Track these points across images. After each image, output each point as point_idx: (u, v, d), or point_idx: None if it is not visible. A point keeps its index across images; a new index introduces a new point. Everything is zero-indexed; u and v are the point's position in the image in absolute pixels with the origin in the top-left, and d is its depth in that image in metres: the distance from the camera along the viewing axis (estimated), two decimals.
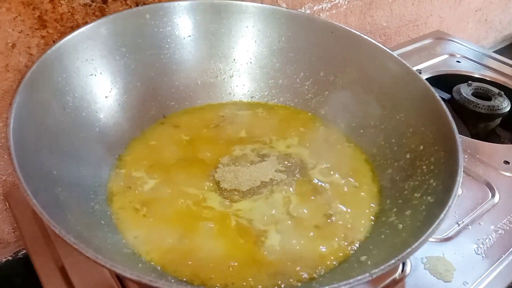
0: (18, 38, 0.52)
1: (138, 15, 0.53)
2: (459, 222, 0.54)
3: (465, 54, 0.90)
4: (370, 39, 0.54)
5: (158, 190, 0.46)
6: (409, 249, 0.31)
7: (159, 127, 0.53)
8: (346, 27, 0.56)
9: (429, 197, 0.40)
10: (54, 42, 0.53)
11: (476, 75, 0.84)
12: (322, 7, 0.82)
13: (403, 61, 0.51)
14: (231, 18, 0.57)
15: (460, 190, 0.58)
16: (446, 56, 0.89)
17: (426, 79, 0.80)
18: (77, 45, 0.47)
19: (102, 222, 0.41)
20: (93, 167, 0.46)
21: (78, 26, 0.55)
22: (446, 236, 0.53)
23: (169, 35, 0.55)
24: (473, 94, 0.77)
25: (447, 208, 0.34)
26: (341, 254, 0.41)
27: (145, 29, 0.53)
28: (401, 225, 0.40)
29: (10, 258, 0.65)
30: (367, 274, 0.29)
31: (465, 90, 0.77)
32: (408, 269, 0.48)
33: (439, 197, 0.38)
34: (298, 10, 0.78)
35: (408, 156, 0.47)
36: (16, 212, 0.53)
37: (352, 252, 0.41)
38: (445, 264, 0.50)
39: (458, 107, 0.76)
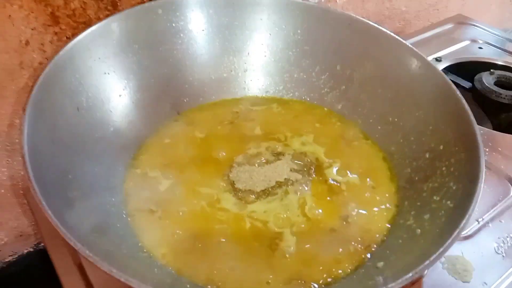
0: (31, 35, 0.52)
1: (150, 11, 0.52)
2: (479, 220, 0.53)
3: (488, 40, 0.86)
4: (388, 31, 0.53)
5: (173, 191, 0.46)
6: (427, 262, 0.30)
7: (173, 124, 0.53)
8: (363, 19, 0.54)
9: (448, 202, 0.39)
10: (67, 38, 0.53)
11: (499, 62, 0.81)
12: None
13: (423, 55, 0.50)
14: (245, 10, 0.56)
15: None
16: (467, 42, 0.86)
17: (446, 67, 0.78)
18: (89, 44, 0.47)
19: (118, 225, 0.41)
20: (108, 168, 0.46)
21: (90, 21, 0.54)
22: (466, 235, 0.52)
23: (182, 29, 0.54)
24: (496, 83, 0.74)
25: (466, 217, 0.33)
26: (357, 259, 0.40)
27: (157, 24, 0.52)
28: (419, 230, 0.40)
29: (32, 249, 0.67)
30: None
31: (487, 79, 0.74)
32: None
33: (459, 203, 0.37)
34: None
35: (427, 156, 0.46)
36: (34, 208, 0.53)
37: (368, 257, 0.41)
38: (464, 264, 0.49)
39: (479, 96, 0.74)
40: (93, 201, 0.41)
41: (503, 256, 0.50)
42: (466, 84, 0.77)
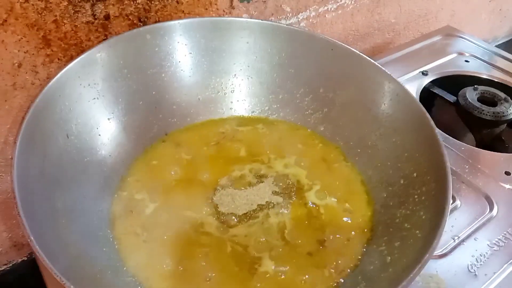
0: (24, 58, 0.53)
1: (139, 36, 0.53)
2: (455, 238, 0.55)
3: (474, 53, 0.88)
4: (369, 58, 0.54)
5: (158, 214, 0.48)
6: None
7: (160, 145, 0.55)
8: (346, 46, 0.56)
9: (417, 231, 0.41)
10: (58, 59, 0.55)
11: (484, 76, 0.83)
12: (328, 8, 0.81)
13: (401, 83, 0.51)
14: (232, 34, 0.57)
15: (459, 202, 0.59)
16: (454, 55, 0.88)
17: (432, 80, 0.80)
18: (79, 72, 0.48)
19: (104, 249, 0.43)
20: (96, 192, 0.48)
21: (81, 43, 0.56)
22: (441, 253, 0.54)
23: (170, 53, 0.56)
24: (479, 99, 0.76)
25: (428, 253, 0.35)
26: (331, 283, 0.43)
27: (146, 49, 0.54)
28: (389, 258, 0.42)
29: (26, 258, 0.69)
30: None
31: (471, 95, 0.76)
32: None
33: (425, 234, 0.39)
34: (303, 12, 0.77)
35: (402, 182, 0.48)
36: None
37: (341, 281, 0.43)
38: (438, 282, 0.51)
39: (463, 112, 0.76)
40: (80, 226, 0.43)
41: (475, 275, 0.52)
42: (451, 98, 0.79)
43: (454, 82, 0.82)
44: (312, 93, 0.58)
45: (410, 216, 0.44)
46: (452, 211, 0.58)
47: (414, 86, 0.79)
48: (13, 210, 0.62)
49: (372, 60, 0.54)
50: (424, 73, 0.82)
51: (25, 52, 0.53)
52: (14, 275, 0.68)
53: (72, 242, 0.40)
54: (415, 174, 0.47)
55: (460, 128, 0.77)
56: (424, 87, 0.80)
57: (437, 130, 0.47)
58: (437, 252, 0.54)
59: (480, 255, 0.54)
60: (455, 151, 0.67)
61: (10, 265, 0.68)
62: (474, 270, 0.53)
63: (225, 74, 0.59)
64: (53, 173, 0.43)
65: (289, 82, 0.59)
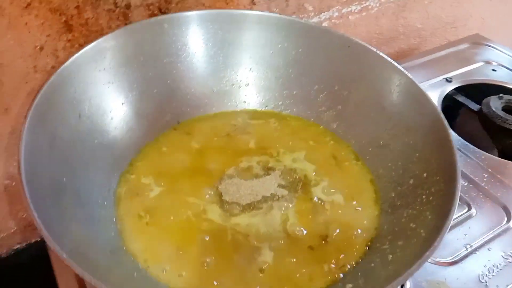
0: (45, 42, 0.55)
1: (156, 25, 0.54)
2: (467, 246, 0.54)
3: (502, 62, 0.86)
4: (386, 57, 0.53)
5: (163, 199, 0.48)
6: None
7: (172, 133, 0.55)
8: (363, 43, 0.55)
9: (421, 230, 0.40)
10: (79, 45, 0.56)
11: (510, 86, 0.80)
12: (351, 10, 0.80)
13: (418, 84, 0.50)
14: (249, 27, 0.57)
15: (474, 211, 0.57)
16: (481, 64, 0.85)
17: (456, 88, 0.78)
18: (95, 55, 0.49)
19: (106, 228, 0.44)
20: (104, 172, 0.49)
21: (102, 30, 0.57)
22: (451, 260, 0.52)
23: (187, 43, 0.56)
24: (503, 108, 0.73)
25: (428, 251, 0.34)
26: (330, 278, 0.42)
27: (163, 38, 0.55)
28: (391, 256, 0.41)
29: (39, 239, 0.70)
30: None
31: (495, 104, 0.74)
32: None
33: (429, 234, 0.38)
34: (326, 12, 0.77)
35: (411, 182, 0.47)
36: None
37: (341, 277, 0.42)
38: None
39: (486, 120, 0.74)
40: (84, 204, 0.43)
41: (486, 285, 0.50)
42: (475, 107, 0.77)
43: (479, 91, 0.79)
44: (327, 90, 0.58)
45: (416, 216, 0.43)
46: (466, 219, 0.57)
47: (436, 93, 0.78)
48: None
49: (389, 59, 0.53)
50: (448, 80, 0.80)
51: (47, 36, 0.55)
52: (28, 255, 0.70)
53: (75, 220, 0.40)
54: (425, 175, 0.46)
55: (482, 137, 0.75)
56: (447, 94, 0.78)
57: (452, 132, 0.45)
58: (447, 259, 0.52)
59: (493, 265, 0.52)
60: (474, 159, 0.65)
61: (24, 244, 0.70)
62: (485, 281, 0.51)
63: (240, 67, 0.59)
64: (62, 151, 0.44)
65: (304, 78, 0.58)
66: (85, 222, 0.42)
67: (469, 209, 0.58)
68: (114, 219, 0.45)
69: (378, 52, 0.54)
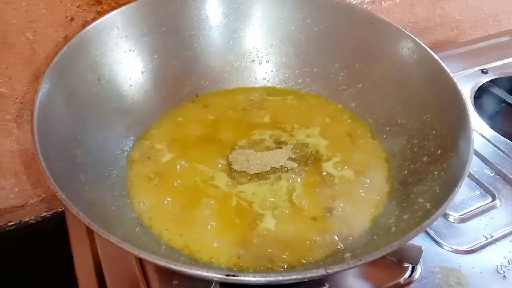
0: (76, 12, 0.57)
1: None
2: (487, 236, 0.51)
3: None
4: (409, 33, 0.52)
5: (174, 164, 0.49)
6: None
7: (189, 105, 0.56)
8: (386, 19, 0.54)
9: (428, 204, 0.38)
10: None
11: None
12: None
13: (439, 59, 0.48)
14: (271, 3, 0.57)
15: (499, 201, 0.54)
16: None
17: (492, 80, 0.75)
18: (118, 22, 0.51)
19: (116, 187, 0.45)
20: (119, 136, 0.50)
21: (128, 3, 0.59)
22: (469, 249, 0.50)
23: (209, 17, 0.57)
24: None
25: (428, 220, 0.32)
26: (330, 248, 0.41)
27: (186, 10, 0.56)
28: (394, 228, 0.39)
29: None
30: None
31: None
32: (417, 275, 0.46)
33: (435, 205, 0.37)
34: None
35: (425, 160, 0.45)
36: None
37: (341, 248, 0.41)
38: (458, 277, 0.48)
39: None
40: (97, 162, 0.45)
41: (504, 276, 0.48)
42: (511, 100, 0.73)
43: None
44: (347, 68, 0.57)
45: (425, 191, 0.41)
46: (489, 209, 0.54)
47: (470, 83, 0.74)
48: None
49: (412, 35, 0.51)
50: (484, 71, 0.77)
51: (77, 7, 0.57)
52: (54, 222, 0.72)
53: (83, 170, 0.41)
54: (439, 151, 0.44)
55: None
56: (482, 85, 0.75)
57: (469, 107, 0.43)
58: (464, 247, 0.50)
59: None
60: (504, 150, 0.62)
61: (51, 212, 0.72)
62: (504, 272, 0.48)
63: (262, 43, 0.59)
64: (79, 109, 0.46)
65: (325, 55, 0.58)
66: (94, 177, 0.43)
67: (493, 199, 0.55)
68: (125, 179, 0.47)
69: (400, 28, 0.52)
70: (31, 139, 0.37)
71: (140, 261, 0.45)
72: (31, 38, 0.55)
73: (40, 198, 0.70)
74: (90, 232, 0.51)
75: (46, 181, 0.68)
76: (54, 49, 0.58)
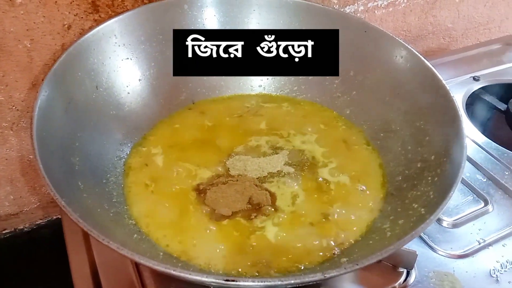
0: (73, 21, 0.57)
1: (177, 5, 0.56)
2: (480, 240, 0.52)
3: None
4: (403, 41, 0.53)
5: (171, 170, 0.49)
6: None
7: (186, 112, 0.57)
8: (380, 28, 0.55)
9: (422, 209, 0.39)
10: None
11: None
12: (378, 4, 0.79)
13: (432, 67, 0.49)
14: (267, 11, 0.58)
15: (491, 206, 0.55)
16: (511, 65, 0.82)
17: (484, 87, 0.76)
18: (115, 31, 0.52)
19: (114, 193, 0.45)
20: (117, 143, 0.50)
21: (125, 12, 0.59)
22: (462, 253, 0.51)
23: (206, 25, 0.58)
24: None
25: (422, 225, 0.33)
26: (327, 254, 0.41)
27: (183, 18, 0.57)
28: (389, 233, 0.40)
29: (60, 216, 0.72)
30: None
31: None
32: (411, 279, 0.47)
33: (428, 211, 0.37)
34: (351, 6, 0.77)
35: (419, 165, 0.46)
36: None
37: (338, 252, 0.41)
38: (453, 281, 0.48)
39: None
40: (95, 168, 0.45)
41: (496, 280, 0.48)
42: (502, 106, 0.75)
43: (507, 90, 0.77)
44: (342, 76, 0.57)
45: (420, 196, 0.42)
46: (482, 214, 0.55)
47: (462, 90, 0.76)
48: None
49: (405, 43, 0.52)
50: (476, 79, 0.78)
51: (75, 15, 0.57)
52: (49, 230, 0.72)
53: (81, 177, 0.42)
54: (433, 157, 0.45)
55: (508, 136, 0.72)
56: (474, 92, 0.76)
57: (461, 113, 0.44)
58: (457, 252, 0.51)
59: (507, 261, 0.50)
60: (496, 156, 0.63)
61: (46, 220, 0.72)
62: (497, 276, 0.49)
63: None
64: (77, 117, 0.46)
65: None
66: (93, 184, 0.43)
67: (486, 204, 0.56)
68: (122, 186, 0.47)
69: (394, 36, 0.53)
70: (31, 146, 0.37)
71: (137, 268, 0.46)
72: (29, 46, 0.55)
73: (35, 205, 0.69)
74: (87, 239, 0.51)
75: (42, 188, 0.69)
76: (52, 57, 0.58)
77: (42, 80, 0.43)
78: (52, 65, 0.57)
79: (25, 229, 0.70)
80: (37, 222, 0.71)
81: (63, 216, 0.53)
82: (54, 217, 0.72)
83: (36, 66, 0.57)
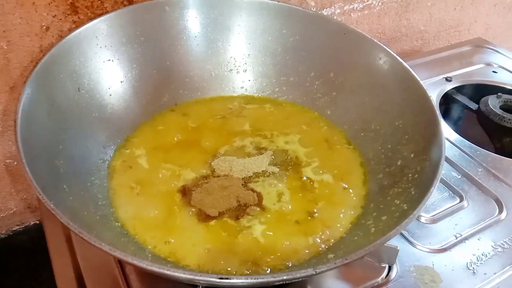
0: (51, 22, 0.57)
1: (158, 7, 0.56)
2: (457, 235, 0.54)
3: (504, 65, 0.86)
4: (381, 44, 0.55)
5: (155, 172, 0.49)
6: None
7: (169, 114, 0.57)
8: (358, 30, 0.56)
9: (404, 205, 0.41)
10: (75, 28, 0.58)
11: (509, 87, 0.80)
12: (354, 7, 0.81)
13: (410, 69, 0.51)
14: (249, 14, 0.59)
15: (466, 202, 0.57)
16: (482, 66, 0.86)
17: (456, 87, 0.79)
18: (97, 32, 0.51)
19: (99, 196, 0.45)
20: (100, 145, 0.50)
21: (107, 13, 0.59)
22: (440, 248, 0.52)
23: (187, 27, 0.58)
24: (502, 107, 0.74)
25: (406, 220, 0.34)
26: (314, 250, 0.42)
27: (164, 20, 0.57)
28: (373, 229, 0.41)
29: (38, 222, 0.71)
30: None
31: (493, 102, 0.74)
32: (393, 274, 0.48)
33: (411, 206, 0.39)
34: (328, 8, 0.78)
35: (399, 163, 0.48)
36: None
37: (324, 249, 0.42)
38: (432, 275, 0.50)
39: (484, 119, 0.74)
40: (79, 171, 0.45)
41: (474, 272, 0.50)
42: (473, 106, 0.78)
43: (478, 90, 0.80)
44: (323, 77, 0.59)
45: (401, 193, 0.44)
46: (458, 210, 0.57)
47: (435, 91, 0.78)
48: None
49: (383, 46, 0.54)
50: (448, 79, 0.81)
51: (53, 17, 0.56)
52: (27, 236, 0.70)
53: (66, 180, 0.41)
54: (412, 155, 0.46)
55: (480, 134, 0.75)
56: (446, 92, 0.79)
57: (438, 113, 0.46)
58: (436, 246, 0.53)
59: (482, 254, 0.52)
60: (470, 154, 0.66)
61: (23, 226, 0.71)
62: (473, 268, 0.51)
63: (239, 53, 0.61)
64: (60, 120, 0.45)
65: (300, 65, 0.60)
66: (77, 187, 0.43)
67: (461, 200, 0.58)
68: (107, 188, 0.47)
69: (372, 38, 0.55)
70: (16, 149, 0.37)
71: (123, 270, 0.45)
72: (5, 47, 0.54)
73: (12, 211, 0.68)
74: (70, 243, 0.50)
75: (19, 194, 0.67)
76: (29, 59, 0.57)
77: (24, 82, 0.42)
78: (31, 67, 0.56)
79: (2, 236, 0.69)
80: (13, 229, 0.70)
81: (45, 221, 0.52)
82: (32, 223, 0.71)
83: (13, 68, 0.56)
